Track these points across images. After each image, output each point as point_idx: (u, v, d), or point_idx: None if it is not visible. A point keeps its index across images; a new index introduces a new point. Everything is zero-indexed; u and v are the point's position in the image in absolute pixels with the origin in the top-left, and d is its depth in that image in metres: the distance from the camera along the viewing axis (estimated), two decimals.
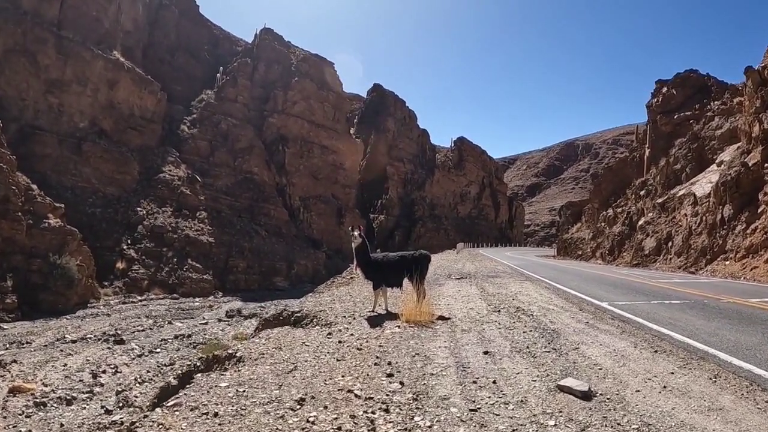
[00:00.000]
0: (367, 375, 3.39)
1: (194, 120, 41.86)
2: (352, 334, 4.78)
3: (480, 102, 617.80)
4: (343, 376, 3.34)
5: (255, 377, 3.34)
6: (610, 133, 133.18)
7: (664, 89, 44.60)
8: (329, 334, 4.85)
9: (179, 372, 4.50)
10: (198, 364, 4.40)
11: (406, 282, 6.37)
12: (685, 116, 39.73)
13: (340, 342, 4.47)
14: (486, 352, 4.10)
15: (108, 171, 31.98)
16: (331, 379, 3.30)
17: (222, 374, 3.50)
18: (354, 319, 5.77)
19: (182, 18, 47.02)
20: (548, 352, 4.18)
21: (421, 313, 5.50)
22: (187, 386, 3.39)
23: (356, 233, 6.34)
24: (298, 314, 6.39)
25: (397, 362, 3.70)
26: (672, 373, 3.62)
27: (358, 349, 4.16)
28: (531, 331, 5.11)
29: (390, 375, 3.41)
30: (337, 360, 3.81)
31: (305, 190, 47.15)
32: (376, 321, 5.62)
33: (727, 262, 20.24)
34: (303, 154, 47.60)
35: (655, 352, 4.31)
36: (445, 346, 4.31)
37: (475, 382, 3.32)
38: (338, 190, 50.97)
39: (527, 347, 4.33)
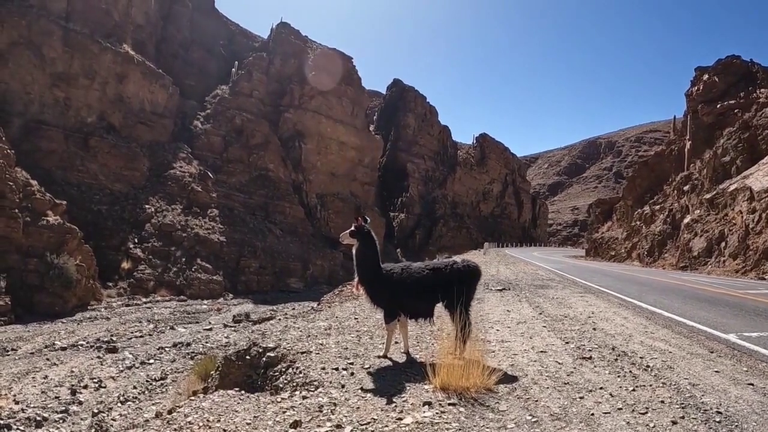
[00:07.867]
0: None
1: (208, 115, 40.42)
2: (338, 426, 2.45)
3: (502, 99, 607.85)
4: None
5: None
6: (633, 130, 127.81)
7: (705, 77, 40.80)
8: (295, 424, 2.52)
9: None
10: None
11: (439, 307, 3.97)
12: (729, 105, 36.18)
13: None
14: None
15: (116, 167, 30.71)
16: None
17: None
18: (352, 374, 3.40)
19: (196, 12, 45.64)
20: None
21: (467, 370, 3.13)
22: None
23: (352, 229, 3.83)
24: (272, 354, 4.16)
25: None
26: None
27: None
28: (684, 417, 2.70)
29: None
30: None
31: (322, 187, 45.29)
32: (388, 383, 3.30)
33: None
34: (320, 150, 45.73)
35: None
36: None
37: None
38: (357, 188, 48.93)
39: None
